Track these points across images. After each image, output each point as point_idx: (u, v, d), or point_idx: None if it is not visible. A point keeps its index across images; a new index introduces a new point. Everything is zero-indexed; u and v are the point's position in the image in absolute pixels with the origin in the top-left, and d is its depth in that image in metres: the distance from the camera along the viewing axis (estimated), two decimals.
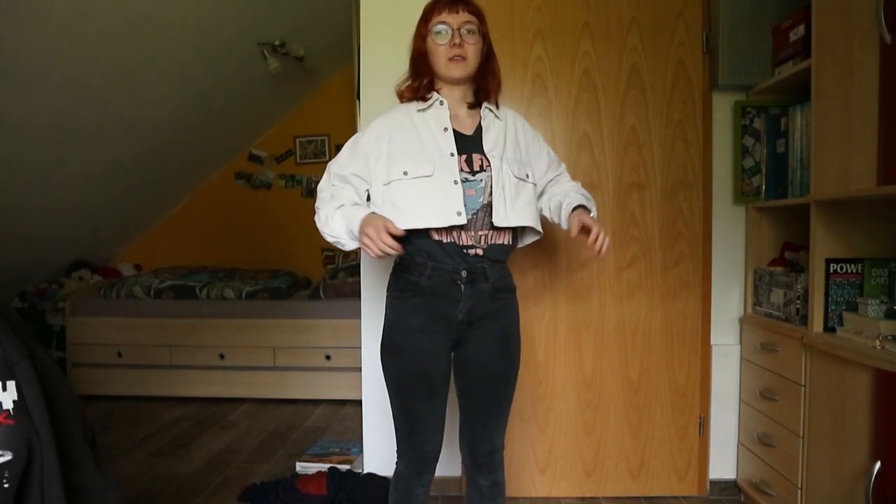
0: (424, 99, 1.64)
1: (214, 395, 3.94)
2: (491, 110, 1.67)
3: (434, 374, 1.61)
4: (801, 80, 2.04)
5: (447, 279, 1.55)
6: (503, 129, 1.66)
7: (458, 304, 1.56)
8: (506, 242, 1.61)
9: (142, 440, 3.23)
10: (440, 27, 1.56)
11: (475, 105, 1.67)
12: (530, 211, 1.63)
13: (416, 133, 1.60)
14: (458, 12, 1.56)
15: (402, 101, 1.69)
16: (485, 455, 1.67)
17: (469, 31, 1.57)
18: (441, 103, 1.63)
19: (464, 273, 1.55)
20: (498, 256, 1.61)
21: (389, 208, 1.55)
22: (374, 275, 2.53)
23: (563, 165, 1.85)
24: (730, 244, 2.46)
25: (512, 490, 2.50)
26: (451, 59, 1.57)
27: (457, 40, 1.55)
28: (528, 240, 1.74)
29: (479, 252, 1.56)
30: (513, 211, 1.57)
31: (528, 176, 1.64)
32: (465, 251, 1.55)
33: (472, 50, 1.58)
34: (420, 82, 1.65)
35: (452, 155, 1.56)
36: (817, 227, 1.89)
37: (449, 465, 2.31)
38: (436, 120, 1.61)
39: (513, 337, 1.68)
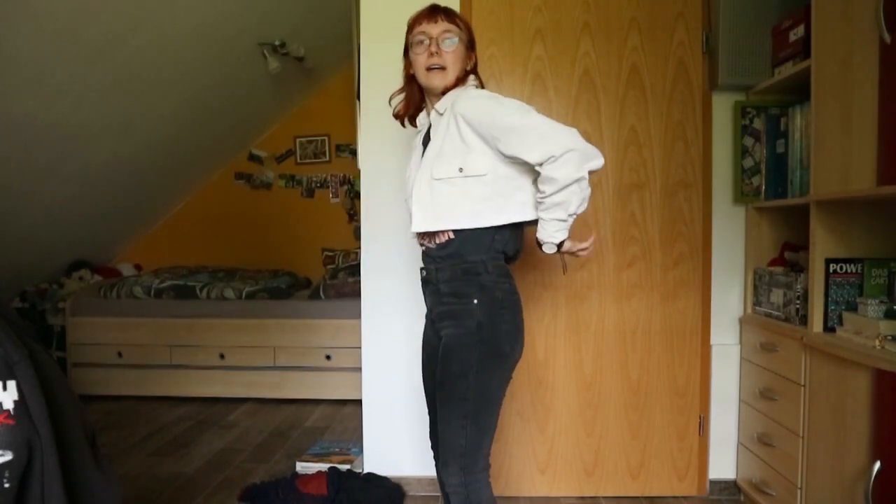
0: (415, 124, 1.75)
1: (214, 395, 3.94)
2: (436, 110, 1.63)
3: (427, 363, 1.75)
4: (801, 80, 2.04)
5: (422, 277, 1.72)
6: (439, 125, 1.61)
7: (425, 300, 1.72)
8: (442, 241, 1.60)
9: (142, 440, 3.23)
10: (419, 37, 1.60)
11: None
12: (450, 210, 1.55)
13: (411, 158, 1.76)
14: (436, 21, 1.58)
15: (400, 121, 1.76)
16: (441, 461, 1.61)
17: (448, 41, 1.58)
18: (423, 123, 1.73)
19: (423, 273, 1.69)
20: (441, 254, 1.60)
21: None
22: (375, 275, 2.53)
23: (540, 150, 1.48)
24: (730, 244, 2.46)
25: (512, 490, 2.51)
26: (428, 70, 1.59)
27: (433, 49, 1.57)
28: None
29: (428, 248, 1.66)
30: (423, 217, 1.60)
31: (461, 170, 1.54)
32: (423, 248, 1.69)
33: (450, 58, 1.58)
34: (410, 95, 1.71)
35: (417, 169, 1.66)
36: (817, 227, 1.89)
37: None
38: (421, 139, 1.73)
39: (445, 348, 1.56)
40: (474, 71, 1.67)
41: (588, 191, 1.53)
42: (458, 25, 1.61)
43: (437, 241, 1.61)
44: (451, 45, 1.58)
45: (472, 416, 1.55)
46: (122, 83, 3.33)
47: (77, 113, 3.27)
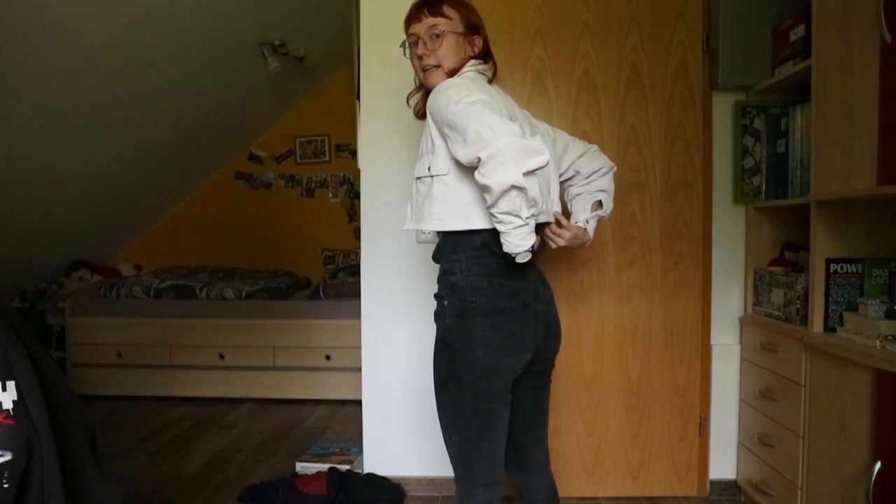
0: None
1: (214, 395, 3.94)
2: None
3: None
4: (801, 80, 2.04)
5: None
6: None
7: None
8: (432, 238, 1.59)
9: (142, 440, 3.23)
10: (411, 38, 1.57)
11: None
12: (425, 210, 1.50)
13: None
14: (421, 20, 1.54)
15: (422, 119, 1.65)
16: None
17: (434, 36, 1.53)
18: None
19: None
20: (434, 253, 1.58)
21: None
22: (375, 275, 2.53)
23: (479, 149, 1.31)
24: (730, 244, 2.46)
25: (510, 489, 2.50)
26: (424, 71, 1.56)
27: (421, 50, 1.54)
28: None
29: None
30: (409, 217, 1.58)
31: (429, 168, 1.49)
32: None
33: (441, 53, 1.53)
34: (425, 94, 1.63)
35: None
36: (817, 227, 1.89)
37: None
38: None
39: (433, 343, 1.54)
40: (480, 55, 1.59)
41: (535, 191, 1.31)
42: (445, 16, 1.53)
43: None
44: (437, 43, 1.52)
45: (451, 426, 1.50)
46: (122, 83, 3.32)
47: (77, 113, 3.27)
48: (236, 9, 3.46)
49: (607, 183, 1.76)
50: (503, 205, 1.31)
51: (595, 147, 1.79)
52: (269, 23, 3.81)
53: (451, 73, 1.53)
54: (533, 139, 1.32)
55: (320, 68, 4.66)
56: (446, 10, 1.54)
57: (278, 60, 4.01)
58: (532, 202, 1.32)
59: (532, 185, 1.30)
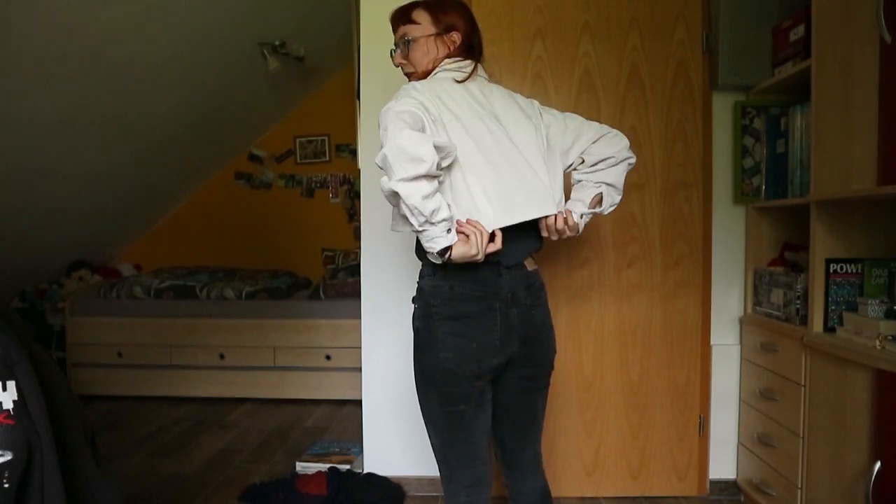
0: None
1: (214, 395, 3.94)
2: None
3: None
4: (801, 80, 2.04)
5: None
6: None
7: None
8: None
9: (142, 440, 3.23)
10: (395, 48, 1.64)
11: None
12: (394, 212, 1.49)
13: None
14: (395, 31, 1.62)
15: None
16: None
17: (403, 44, 1.58)
18: None
19: None
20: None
21: None
22: (375, 275, 2.53)
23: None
24: (730, 244, 2.47)
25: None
26: (407, 76, 1.63)
27: (397, 60, 1.62)
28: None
29: None
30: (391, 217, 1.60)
31: None
32: None
33: (413, 58, 1.58)
34: None
35: None
36: (817, 227, 1.89)
37: None
38: None
39: None
40: (458, 53, 1.56)
41: (414, 200, 1.23)
42: (413, 22, 1.56)
43: None
44: (406, 49, 1.58)
45: (428, 426, 1.55)
46: (122, 83, 3.32)
47: (77, 113, 3.27)
48: (236, 9, 3.46)
49: (615, 176, 1.59)
50: (402, 208, 1.28)
51: (614, 133, 1.61)
52: (269, 23, 3.81)
53: (425, 75, 1.57)
54: (423, 145, 1.24)
55: (320, 68, 4.66)
56: (414, 15, 1.58)
57: (278, 60, 4.01)
58: (413, 209, 1.24)
59: (413, 191, 1.23)
